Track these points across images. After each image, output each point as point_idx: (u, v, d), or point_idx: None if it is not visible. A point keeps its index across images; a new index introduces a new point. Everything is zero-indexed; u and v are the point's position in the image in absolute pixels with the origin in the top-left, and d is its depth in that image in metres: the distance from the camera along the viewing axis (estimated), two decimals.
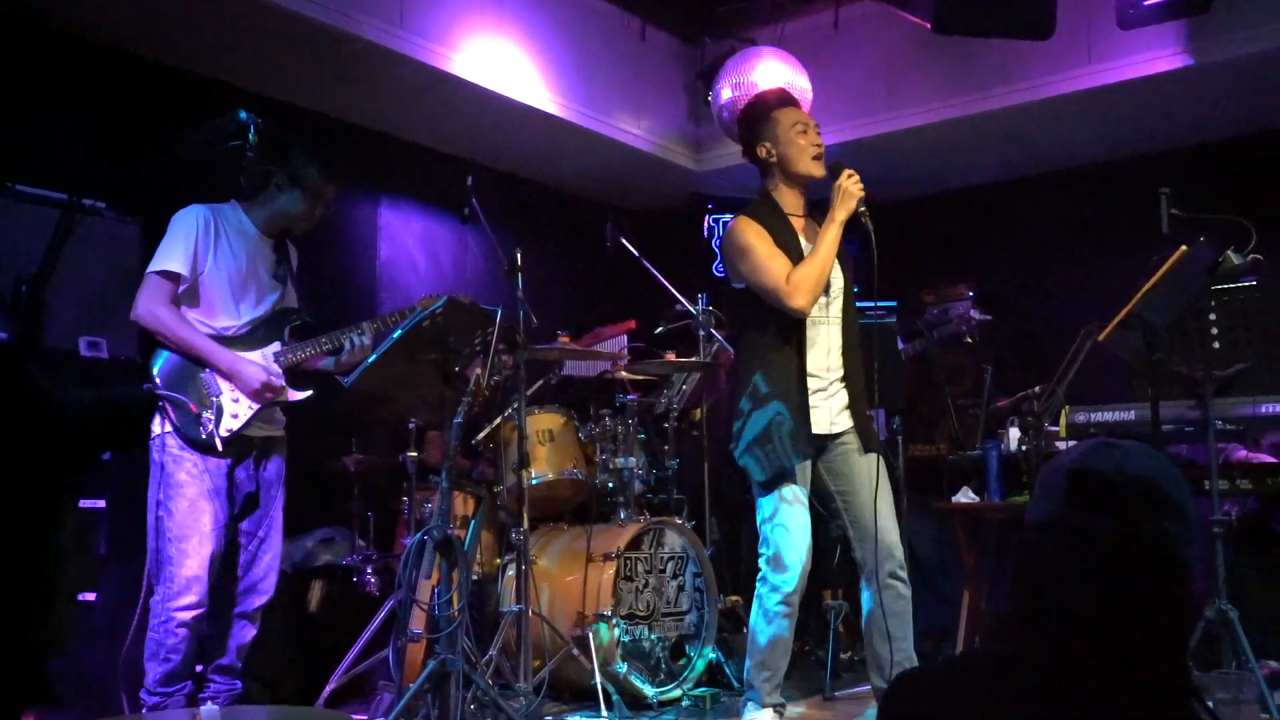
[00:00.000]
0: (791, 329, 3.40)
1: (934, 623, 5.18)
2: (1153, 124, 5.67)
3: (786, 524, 3.36)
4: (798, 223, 3.51)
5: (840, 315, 3.49)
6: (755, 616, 3.43)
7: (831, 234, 3.37)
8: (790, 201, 3.53)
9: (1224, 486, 3.69)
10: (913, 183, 6.54)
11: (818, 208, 3.53)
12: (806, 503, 3.40)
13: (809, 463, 3.41)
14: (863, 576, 3.45)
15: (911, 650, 3.42)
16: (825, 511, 3.65)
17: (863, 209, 3.38)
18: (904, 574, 3.41)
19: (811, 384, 3.41)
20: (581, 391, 5.06)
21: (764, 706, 3.40)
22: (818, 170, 3.48)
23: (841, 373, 3.47)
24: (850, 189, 3.38)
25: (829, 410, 3.45)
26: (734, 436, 3.50)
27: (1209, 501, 3.52)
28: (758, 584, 3.43)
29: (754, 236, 3.42)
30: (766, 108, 3.57)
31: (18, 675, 0.73)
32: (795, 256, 3.40)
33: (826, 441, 3.45)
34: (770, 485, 3.39)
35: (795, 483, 3.36)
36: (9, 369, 0.76)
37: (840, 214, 3.37)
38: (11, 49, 4.20)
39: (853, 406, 3.46)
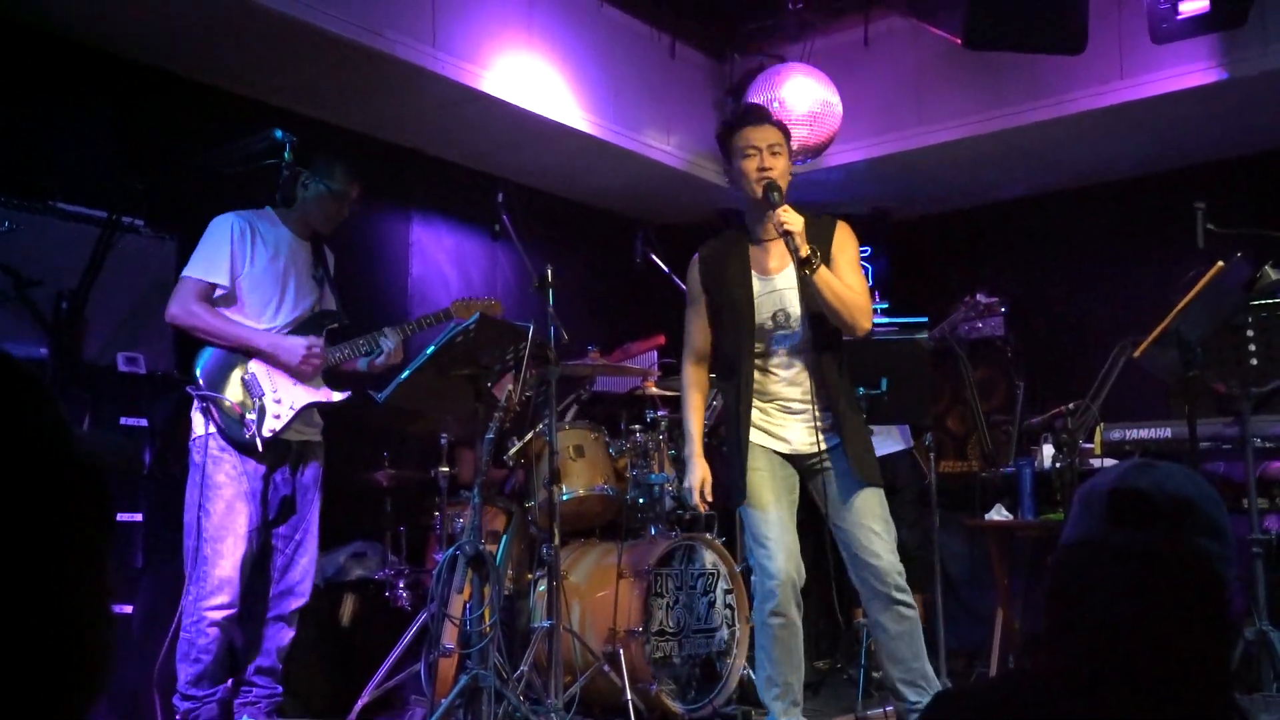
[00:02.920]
0: (736, 358, 3.43)
1: (966, 641, 5.14)
2: (1187, 138, 5.62)
3: (756, 537, 3.37)
4: (764, 249, 3.47)
5: (808, 342, 3.41)
6: (756, 633, 3.44)
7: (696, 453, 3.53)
8: (760, 225, 3.48)
9: (1262, 504, 3.65)
10: (943, 198, 6.51)
11: (812, 224, 3.42)
12: (780, 515, 3.37)
13: (791, 474, 3.43)
14: (863, 602, 3.43)
15: (927, 668, 3.36)
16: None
17: (794, 247, 3.26)
18: (904, 595, 3.33)
19: (773, 404, 3.42)
20: (612, 407, 5.06)
21: None
22: (758, 192, 3.38)
23: (812, 394, 3.40)
24: (787, 223, 3.26)
25: (799, 431, 3.42)
26: None
27: (1247, 520, 3.48)
28: (753, 601, 3.46)
29: (690, 288, 3.60)
30: (728, 128, 3.53)
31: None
32: (738, 292, 3.43)
33: (807, 463, 3.44)
34: (734, 502, 3.45)
35: (751, 496, 3.37)
36: (34, 404, 0.75)
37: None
38: (50, 68, 4.27)
39: (842, 431, 3.40)
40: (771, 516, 3.36)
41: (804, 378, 3.43)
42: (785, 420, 3.43)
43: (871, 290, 4.76)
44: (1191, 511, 1.32)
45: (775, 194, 3.32)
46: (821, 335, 3.43)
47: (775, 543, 3.33)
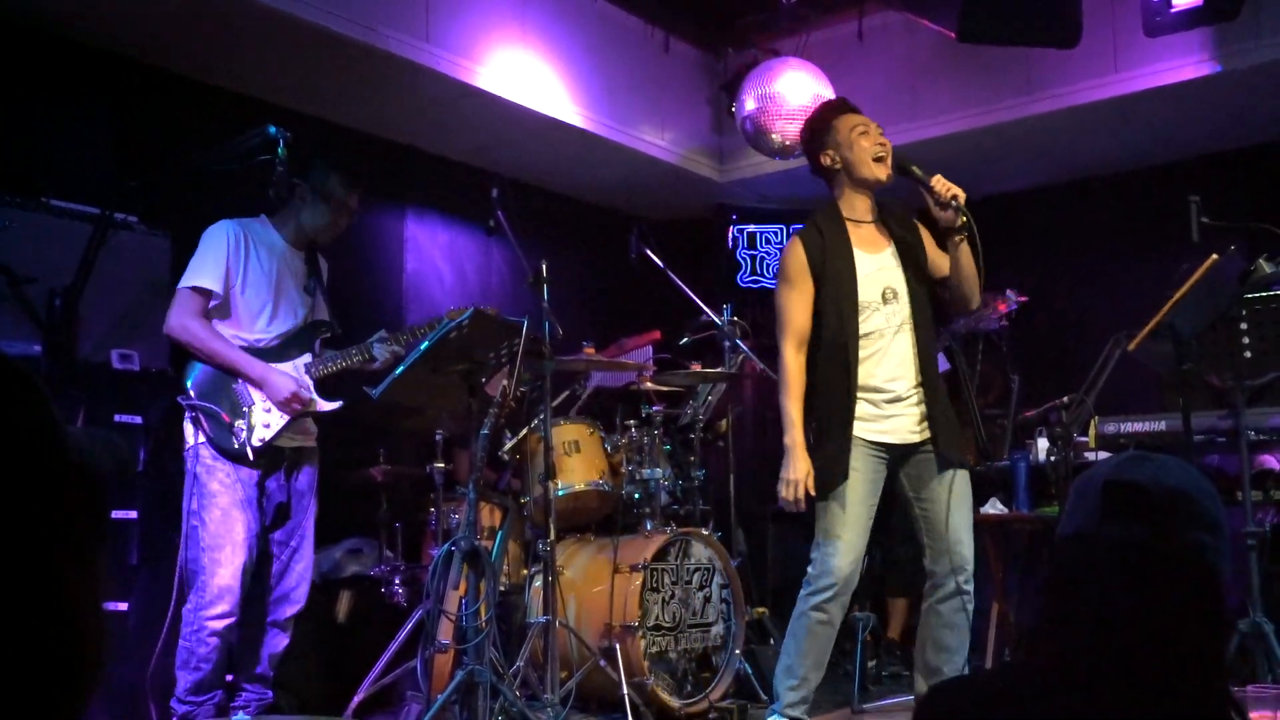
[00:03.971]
0: (843, 340, 3.36)
1: None
2: (1180, 131, 5.63)
3: (828, 530, 3.32)
4: (863, 230, 3.46)
5: (910, 321, 3.40)
6: (793, 619, 3.40)
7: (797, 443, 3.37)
8: (859, 208, 3.49)
9: (1257, 497, 3.65)
10: None
11: (887, 209, 3.50)
12: (860, 517, 3.32)
13: (882, 471, 3.38)
14: (928, 584, 3.40)
15: (963, 664, 3.35)
16: (900, 521, 3.62)
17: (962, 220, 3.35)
18: (970, 588, 3.32)
19: (881, 395, 3.36)
20: (607, 403, 5.07)
21: (785, 718, 3.37)
22: (880, 172, 3.44)
23: (917, 380, 3.39)
24: (941, 191, 3.36)
25: (906, 419, 3.37)
26: None
27: (1241, 512, 3.48)
28: (801, 589, 3.41)
29: (792, 268, 3.44)
30: (826, 116, 3.54)
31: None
32: (844, 271, 3.38)
33: (906, 451, 3.39)
34: (820, 494, 3.34)
35: (846, 492, 3.30)
36: (28, 399, 0.74)
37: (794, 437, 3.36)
38: (44, 65, 4.26)
39: (934, 416, 3.38)
40: (852, 518, 3.30)
41: (910, 360, 3.39)
42: (890, 409, 3.37)
43: None
44: (1186, 504, 1.32)
45: (916, 167, 3.38)
46: (923, 316, 3.43)
47: (846, 544, 3.29)
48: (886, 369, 3.37)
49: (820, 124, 3.53)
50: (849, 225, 3.47)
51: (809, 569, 3.38)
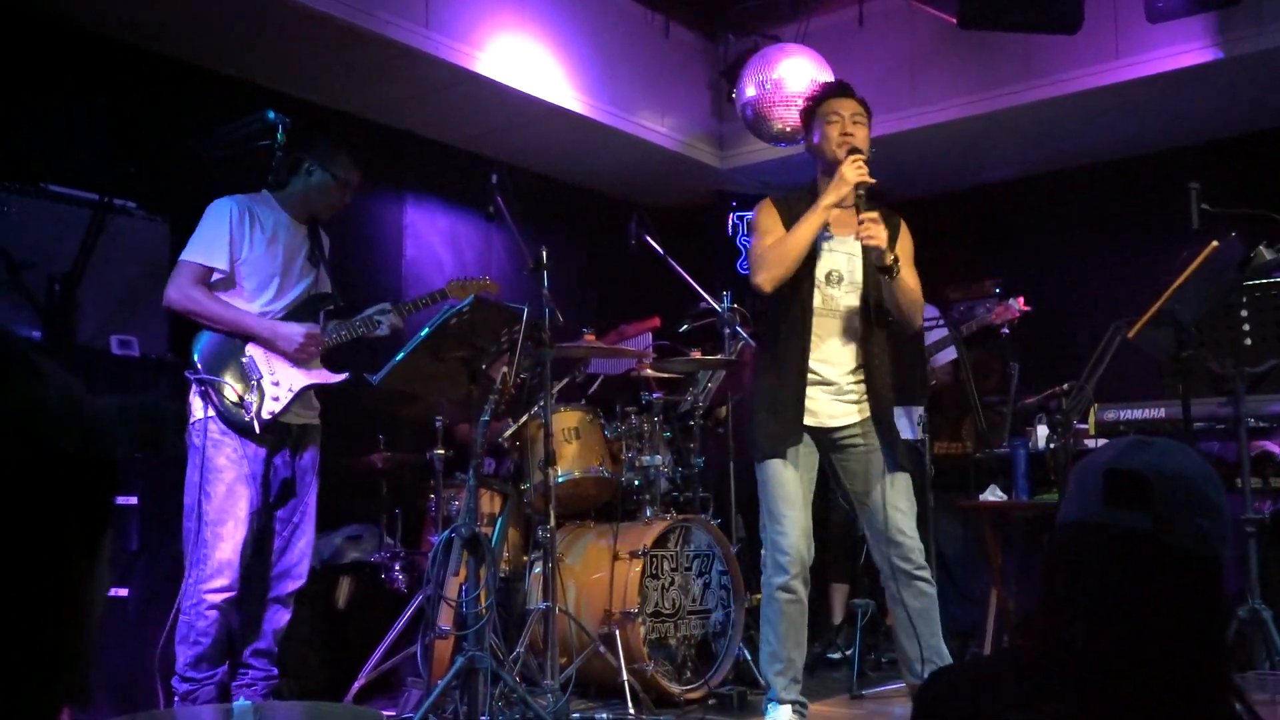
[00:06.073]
0: (789, 320, 3.41)
1: (961, 621, 5.15)
2: (1182, 118, 5.62)
3: (773, 512, 3.39)
4: (834, 212, 3.48)
5: (856, 308, 3.45)
6: (762, 606, 3.46)
7: (810, 219, 3.36)
8: (840, 193, 3.50)
9: (1256, 484, 3.66)
10: (938, 178, 6.50)
11: (871, 203, 3.51)
12: (800, 493, 3.38)
13: (811, 452, 3.43)
14: (883, 574, 3.44)
15: (941, 646, 3.41)
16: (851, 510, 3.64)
17: (861, 192, 3.33)
18: (925, 573, 3.39)
19: (814, 377, 3.40)
20: (606, 389, 5.07)
21: (781, 703, 3.40)
22: (841, 155, 3.45)
23: (853, 366, 3.44)
24: (844, 173, 3.36)
25: (831, 404, 3.43)
26: None
27: (1241, 499, 3.49)
28: (762, 574, 3.47)
29: (763, 216, 3.51)
30: (815, 99, 3.60)
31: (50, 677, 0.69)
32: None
33: (828, 436, 3.45)
34: (763, 458, 3.41)
35: (784, 464, 3.36)
36: (33, 368, 0.69)
37: (827, 199, 3.37)
38: (40, 50, 4.24)
39: (873, 404, 3.43)
40: (791, 493, 3.37)
41: (849, 346, 3.44)
42: (814, 392, 3.42)
43: None
44: (1187, 491, 1.32)
45: (862, 195, 3.34)
46: (873, 309, 3.46)
47: (791, 520, 3.35)
48: (821, 351, 3.43)
49: (809, 107, 3.60)
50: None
51: (763, 553, 3.45)
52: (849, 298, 3.46)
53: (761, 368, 3.54)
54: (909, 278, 3.45)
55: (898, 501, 3.38)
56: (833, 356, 3.44)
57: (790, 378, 3.39)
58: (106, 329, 3.79)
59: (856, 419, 3.45)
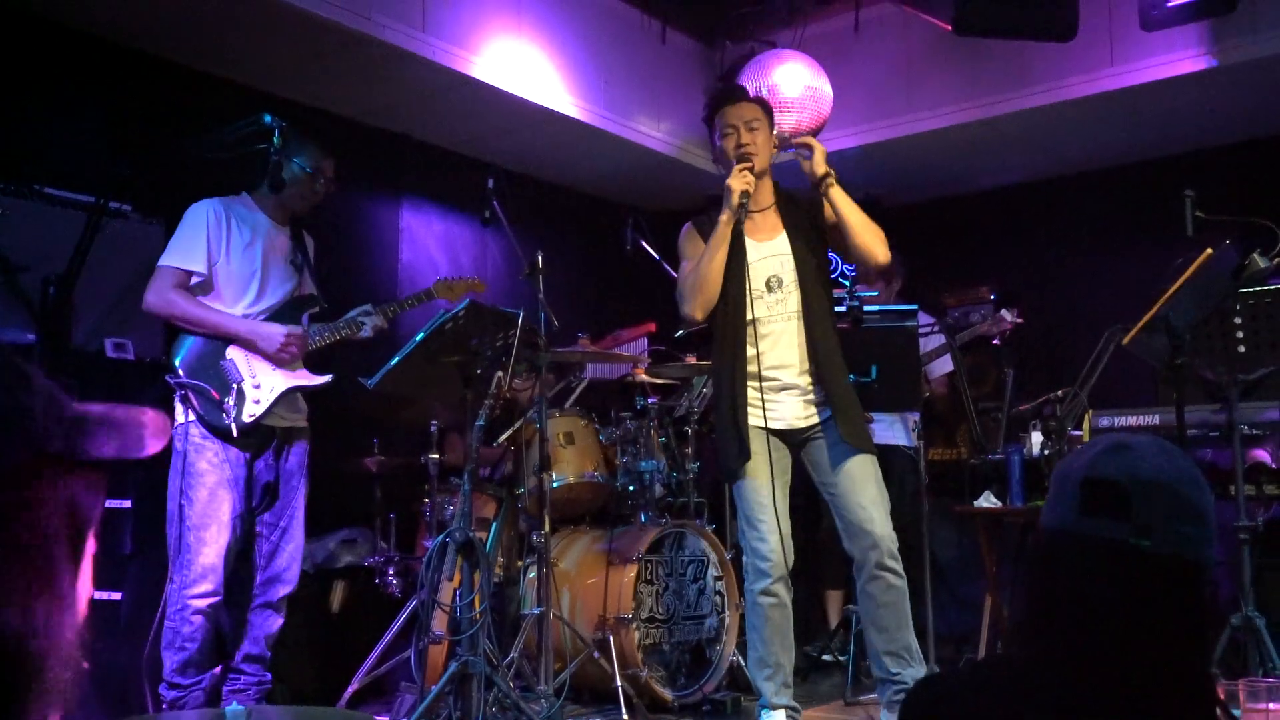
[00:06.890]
0: (736, 336, 3.44)
1: (955, 627, 5.16)
2: (1176, 125, 5.63)
3: (749, 518, 3.40)
4: (757, 218, 3.52)
5: (798, 311, 3.46)
6: (746, 612, 3.47)
7: (714, 240, 3.41)
8: (756, 196, 3.51)
9: (1250, 492, 3.65)
10: (933, 185, 6.51)
11: (790, 196, 3.53)
12: (775, 497, 3.38)
13: (784, 455, 3.46)
14: (853, 568, 3.44)
15: (911, 639, 3.38)
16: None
17: (744, 201, 3.37)
18: (895, 564, 3.35)
19: (769, 384, 3.41)
20: (602, 394, 5.06)
21: (774, 709, 3.40)
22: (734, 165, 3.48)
23: (806, 366, 3.45)
24: (730, 184, 3.40)
25: (793, 406, 3.45)
26: None
27: (1234, 507, 3.49)
28: (744, 581, 3.48)
29: (685, 242, 3.60)
30: (709, 108, 3.62)
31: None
32: (733, 259, 3.44)
33: (797, 435, 3.46)
34: (731, 481, 3.45)
35: (748, 477, 3.38)
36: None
37: (722, 215, 3.42)
38: (36, 52, 4.23)
39: (832, 400, 3.43)
40: (765, 498, 3.38)
41: (799, 348, 3.45)
42: (778, 396, 3.45)
43: (854, 278, 4.76)
44: (1166, 497, 1.30)
45: (744, 205, 3.40)
46: (818, 304, 3.47)
47: (768, 525, 3.36)
48: (774, 356, 3.44)
49: (708, 115, 3.62)
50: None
51: (744, 559, 3.46)
52: (791, 299, 3.47)
53: (717, 387, 3.56)
54: (846, 201, 3.45)
55: (862, 488, 3.38)
56: (787, 359, 3.46)
57: (743, 395, 3.42)
58: (101, 332, 3.78)
59: (817, 418, 3.46)
